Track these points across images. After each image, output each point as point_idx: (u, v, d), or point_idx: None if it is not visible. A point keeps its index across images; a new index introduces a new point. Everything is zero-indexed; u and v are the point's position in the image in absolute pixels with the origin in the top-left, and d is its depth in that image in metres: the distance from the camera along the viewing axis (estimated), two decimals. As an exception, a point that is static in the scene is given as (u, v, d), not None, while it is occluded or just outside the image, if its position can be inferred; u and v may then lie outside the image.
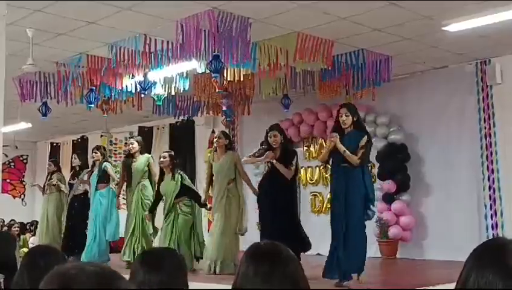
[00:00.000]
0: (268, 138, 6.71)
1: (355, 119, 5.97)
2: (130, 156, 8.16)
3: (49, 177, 9.47)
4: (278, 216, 6.49)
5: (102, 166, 8.41)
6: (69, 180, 9.25)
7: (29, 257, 2.50)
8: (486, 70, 8.20)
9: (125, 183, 8.27)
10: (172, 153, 7.80)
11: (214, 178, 7.25)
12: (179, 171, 7.66)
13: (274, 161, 6.55)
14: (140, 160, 8.07)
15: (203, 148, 11.65)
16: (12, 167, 15.46)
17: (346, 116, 5.91)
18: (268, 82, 8.35)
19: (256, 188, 6.99)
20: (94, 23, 6.44)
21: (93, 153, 8.66)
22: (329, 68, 7.39)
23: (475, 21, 6.32)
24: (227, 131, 10.79)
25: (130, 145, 8.17)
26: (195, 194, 7.65)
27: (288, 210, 6.62)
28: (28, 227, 13.38)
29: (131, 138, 8.52)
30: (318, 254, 8.47)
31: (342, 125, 5.93)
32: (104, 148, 9.19)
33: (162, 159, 7.56)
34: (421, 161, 8.87)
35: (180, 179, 7.54)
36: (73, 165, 9.22)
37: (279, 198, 6.59)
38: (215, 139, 7.37)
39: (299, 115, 10.03)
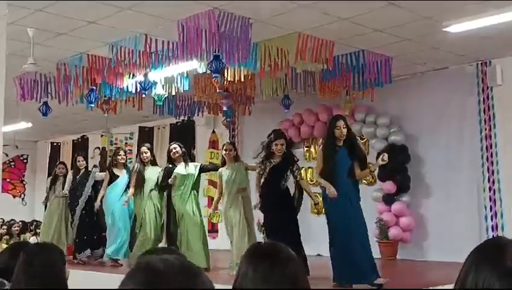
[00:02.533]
0: (274, 146, 6.65)
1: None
2: (142, 163, 8.16)
3: (62, 181, 9.32)
4: (288, 219, 6.54)
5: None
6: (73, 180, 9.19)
7: (27, 255, 2.48)
8: (487, 71, 8.20)
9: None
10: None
11: (224, 188, 7.24)
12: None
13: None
14: (153, 171, 8.10)
15: (204, 149, 11.67)
16: (13, 166, 15.47)
17: (344, 128, 5.96)
18: (268, 82, 8.35)
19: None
20: (95, 22, 6.45)
21: (121, 155, 8.62)
22: (330, 69, 7.38)
23: (476, 22, 6.32)
24: (227, 132, 10.85)
25: (144, 154, 8.15)
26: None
27: (296, 213, 6.71)
28: (27, 226, 13.38)
29: (144, 146, 8.43)
30: (318, 255, 8.49)
31: (340, 137, 5.96)
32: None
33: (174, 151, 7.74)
34: (421, 161, 8.87)
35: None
36: (80, 167, 9.12)
37: (287, 201, 6.66)
38: (224, 152, 7.31)
39: (299, 116, 10.03)
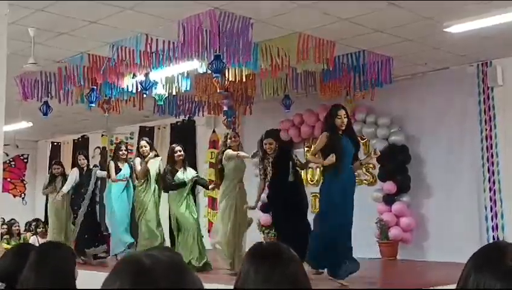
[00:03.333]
0: (264, 145, 6.82)
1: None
2: (142, 157, 8.21)
3: (61, 179, 9.34)
4: (298, 218, 6.59)
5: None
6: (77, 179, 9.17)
7: (39, 253, 2.45)
8: (488, 72, 8.19)
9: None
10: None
11: (226, 175, 7.24)
12: None
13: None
14: (154, 163, 8.15)
15: (204, 149, 11.66)
16: (13, 166, 15.46)
17: (345, 117, 6.03)
18: (269, 82, 8.36)
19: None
20: (95, 22, 6.44)
21: (122, 150, 8.66)
22: (331, 69, 7.39)
23: (477, 22, 6.32)
24: (228, 131, 10.83)
25: (144, 148, 8.22)
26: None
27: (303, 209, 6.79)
28: (30, 225, 13.33)
29: (143, 140, 8.55)
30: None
31: (340, 126, 6.01)
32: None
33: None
34: (422, 162, 8.87)
35: None
36: (82, 166, 9.13)
37: (296, 200, 6.72)
38: (231, 139, 7.31)
39: (299, 116, 10.03)
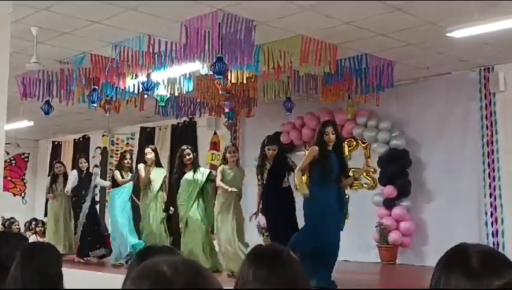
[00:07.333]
0: (266, 150, 6.87)
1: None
2: (146, 164, 8.23)
3: (62, 179, 9.38)
4: (290, 221, 6.64)
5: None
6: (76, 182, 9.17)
7: (27, 254, 2.44)
8: (490, 77, 8.20)
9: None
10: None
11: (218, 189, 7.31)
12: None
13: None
14: (158, 173, 8.19)
15: (205, 150, 11.65)
16: (14, 165, 15.46)
17: (332, 134, 6.06)
18: (271, 85, 8.37)
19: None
20: (98, 22, 6.45)
21: (127, 159, 8.65)
22: (333, 72, 7.40)
23: (480, 28, 6.31)
24: (229, 133, 10.85)
25: (148, 155, 8.23)
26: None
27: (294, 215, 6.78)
28: (26, 225, 13.32)
29: (148, 147, 8.56)
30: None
31: (328, 142, 6.05)
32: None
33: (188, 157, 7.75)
34: (423, 166, 8.87)
35: None
36: (82, 169, 9.14)
37: (289, 204, 6.75)
38: (230, 154, 7.34)
39: (301, 119, 10.02)
